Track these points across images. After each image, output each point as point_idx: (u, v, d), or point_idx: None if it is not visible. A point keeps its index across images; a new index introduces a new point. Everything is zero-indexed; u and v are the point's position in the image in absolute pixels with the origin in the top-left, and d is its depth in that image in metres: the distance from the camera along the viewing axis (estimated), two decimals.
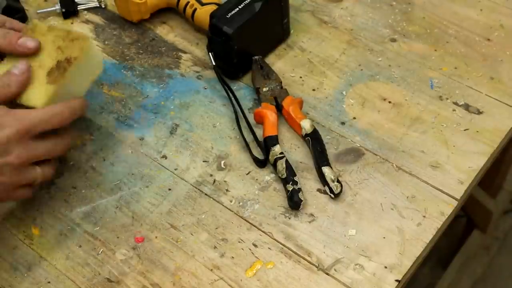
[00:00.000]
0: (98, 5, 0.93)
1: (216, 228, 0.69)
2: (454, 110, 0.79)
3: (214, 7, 0.85)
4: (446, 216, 0.69)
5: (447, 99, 0.80)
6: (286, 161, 0.72)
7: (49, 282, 0.66)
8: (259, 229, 0.69)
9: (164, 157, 0.76)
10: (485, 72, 0.83)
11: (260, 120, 0.78)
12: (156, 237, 0.69)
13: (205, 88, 0.83)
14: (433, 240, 0.68)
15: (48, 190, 0.73)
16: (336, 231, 0.68)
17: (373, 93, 0.81)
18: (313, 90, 0.82)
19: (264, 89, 0.79)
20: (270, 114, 0.76)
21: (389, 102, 0.80)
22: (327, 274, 0.65)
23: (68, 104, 0.65)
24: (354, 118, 0.79)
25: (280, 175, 0.72)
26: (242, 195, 0.72)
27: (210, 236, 0.68)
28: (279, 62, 0.86)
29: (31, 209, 0.72)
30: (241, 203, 0.71)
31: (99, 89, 0.83)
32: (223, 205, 0.71)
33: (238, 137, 0.77)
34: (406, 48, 0.86)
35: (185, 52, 0.88)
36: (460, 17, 0.90)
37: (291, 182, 0.70)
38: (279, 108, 0.78)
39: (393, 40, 0.87)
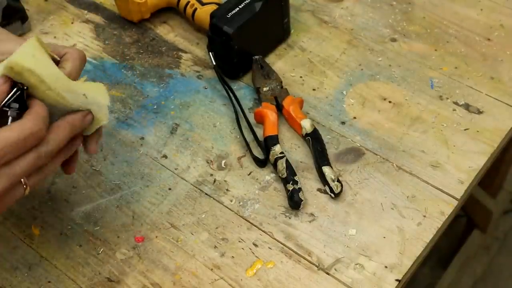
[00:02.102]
0: None
1: (217, 228, 0.69)
2: (454, 110, 0.79)
3: (214, 6, 0.85)
4: (446, 216, 0.69)
5: (447, 98, 0.80)
6: (287, 160, 0.72)
7: (49, 282, 0.66)
8: (259, 229, 0.69)
9: (165, 156, 0.76)
10: (485, 72, 0.83)
11: (260, 120, 0.78)
12: (156, 236, 0.69)
13: (206, 88, 0.83)
14: (433, 239, 0.68)
15: (49, 190, 0.73)
16: (336, 230, 0.68)
17: (373, 93, 0.81)
18: (314, 89, 0.82)
19: (265, 89, 0.79)
20: (270, 113, 0.76)
21: (389, 101, 0.80)
22: (328, 273, 0.65)
23: (42, 118, 0.53)
24: (355, 117, 0.79)
25: (280, 175, 0.72)
26: (242, 194, 0.72)
27: (210, 236, 0.68)
28: (280, 61, 0.86)
29: (32, 208, 0.72)
30: (241, 203, 0.71)
31: None
32: (223, 205, 0.71)
33: (238, 136, 0.77)
34: (406, 48, 0.86)
35: (185, 52, 0.88)
36: (460, 17, 0.90)
37: (291, 182, 0.70)
38: (279, 108, 0.78)
39: (393, 40, 0.88)
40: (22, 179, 0.53)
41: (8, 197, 0.53)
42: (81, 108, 0.58)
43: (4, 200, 0.53)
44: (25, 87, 0.54)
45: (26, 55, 0.53)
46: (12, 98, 0.53)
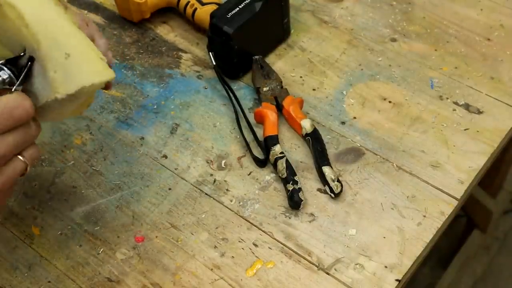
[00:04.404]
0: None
1: (217, 228, 0.69)
2: (454, 110, 0.79)
3: (214, 6, 0.85)
4: (446, 216, 0.69)
5: (447, 98, 0.80)
6: (287, 160, 0.72)
7: (49, 282, 0.66)
8: (259, 229, 0.69)
9: (165, 156, 0.76)
10: (485, 72, 0.83)
11: (260, 120, 0.78)
12: (156, 236, 0.69)
13: (206, 88, 0.83)
14: (433, 239, 0.68)
15: (49, 190, 0.73)
16: (336, 230, 0.68)
17: (373, 93, 0.81)
18: (314, 89, 0.82)
19: (265, 89, 0.79)
20: (270, 113, 0.76)
21: (389, 102, 0.80)
22: (328, 273, 0.65)
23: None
24: (355, 117, 0.79)
25: (280, 175, 0.72)
26: (242, 194, 0.72)
27: (210, 236, 0.68)
28: (280, 61, 0.86)
29: (32, 208, 0.72)
30: (241, 203, 0.71)
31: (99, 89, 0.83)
32: (223, 205, 0.71)
33: (238, 136, 0.77)
34: (406, 48, 0.86)
35: (185, 52, 0.88)
36: (460, 17, 0.90)
37: (291, 182, 0.70)
38: (279, 108, 0.78)
39: (393, 40, 0.88)
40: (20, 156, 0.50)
41: (8, 171, 0.50)
42: (56, 71, 0.49)
43: (4, 174, 0.49)
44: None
45: None
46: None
